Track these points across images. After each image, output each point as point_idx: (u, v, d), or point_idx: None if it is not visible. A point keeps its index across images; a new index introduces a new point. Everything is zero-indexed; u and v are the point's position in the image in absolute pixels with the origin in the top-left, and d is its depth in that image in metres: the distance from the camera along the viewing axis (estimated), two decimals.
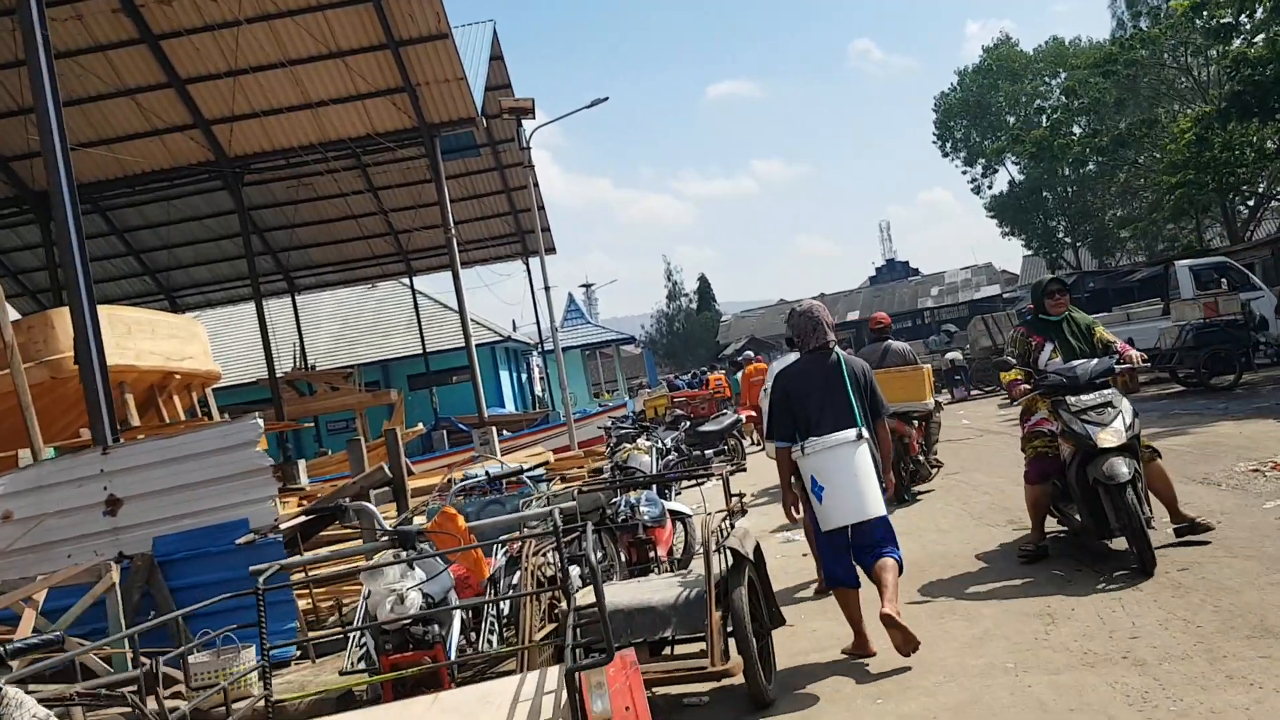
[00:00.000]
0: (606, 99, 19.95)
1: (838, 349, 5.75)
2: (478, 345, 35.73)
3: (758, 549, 5.36)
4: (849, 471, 5.39)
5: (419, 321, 31.02)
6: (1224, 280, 19.01)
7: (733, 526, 5.68)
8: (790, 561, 8.27)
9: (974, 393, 23.31)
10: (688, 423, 14.61)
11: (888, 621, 5.14)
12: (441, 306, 36.27)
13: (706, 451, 14.39)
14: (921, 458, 10.27)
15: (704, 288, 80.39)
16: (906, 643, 5.16)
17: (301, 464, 20.22)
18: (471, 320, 36.77)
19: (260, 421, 6.73)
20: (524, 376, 39.37)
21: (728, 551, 5.08)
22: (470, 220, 31.04)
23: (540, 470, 7.23)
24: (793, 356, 6.35)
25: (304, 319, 35.55)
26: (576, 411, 32.59)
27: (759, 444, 16.27)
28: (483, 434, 19.09)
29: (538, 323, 32.99)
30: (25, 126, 17.70)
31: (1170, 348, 17.06)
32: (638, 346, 77.85)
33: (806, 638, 5.97)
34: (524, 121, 20.21)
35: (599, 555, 6.11)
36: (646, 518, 6.68)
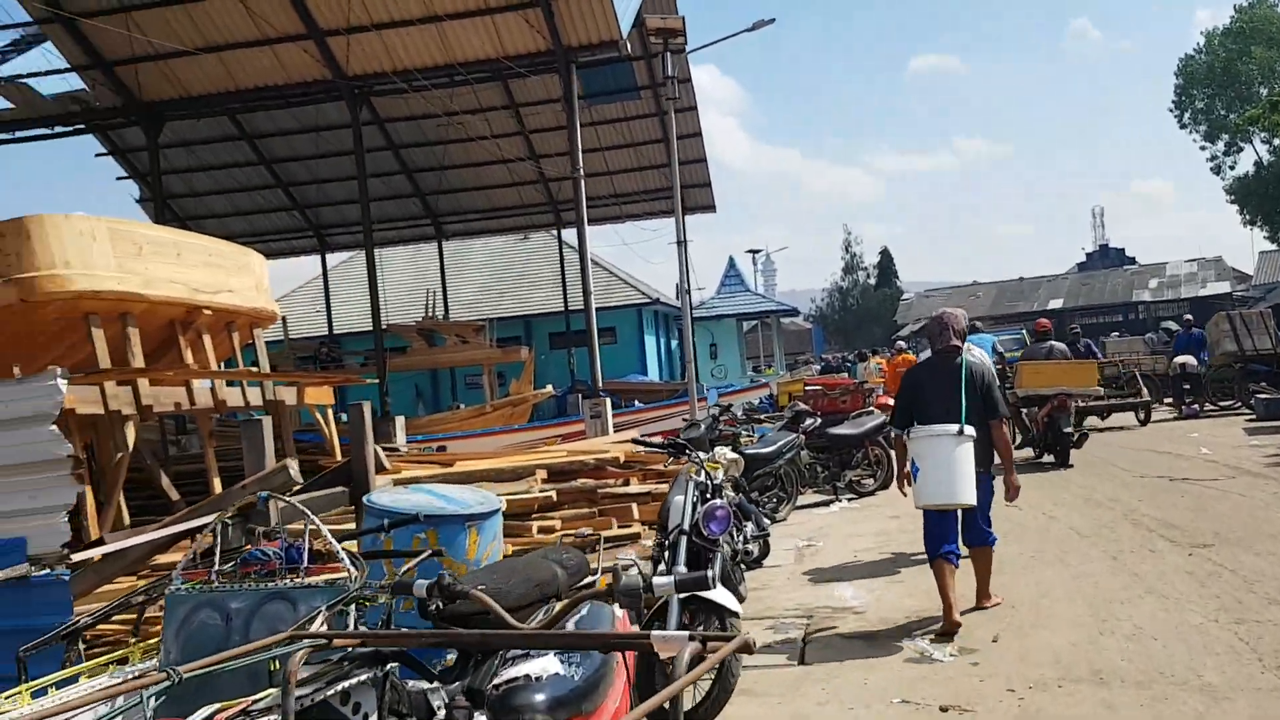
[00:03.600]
0: (773, 20, 16.83)
1: (965, 354, 6.36)
2: (624, 305, 33.56)
3: None
4: (943, 459, 6.04)
5: (563, 276, 28.79)
6: None
7: None
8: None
9: (1208, 408, 18.38)
10: (813, 420, 11.42)
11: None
12: (592, 263, 34.01)
13: (843, 471, 11.17)
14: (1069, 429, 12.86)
15: (885, 262, 75.25)
16: None
17: (399, 421, 18.22)
18: (619, 278, 34.58)
19: (62, 383, 4.25)
20: (675, 343, 36.65)
21: None
22: (626, 170, 28.47)
23: (495, 506, 4.25)
24: (926, 353, 7.21)
25: (453, 267, 34.12)
26: (723, 385, 29.81)
27: None
28: (594, 405, 16.52)
29: (685, 283, 30.18)
30: (128, 25, 16.18)
31: None
32: (808, 320, 74.01)
33: None
34: (681, 59, 17.35)
35: None
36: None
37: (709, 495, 5.35)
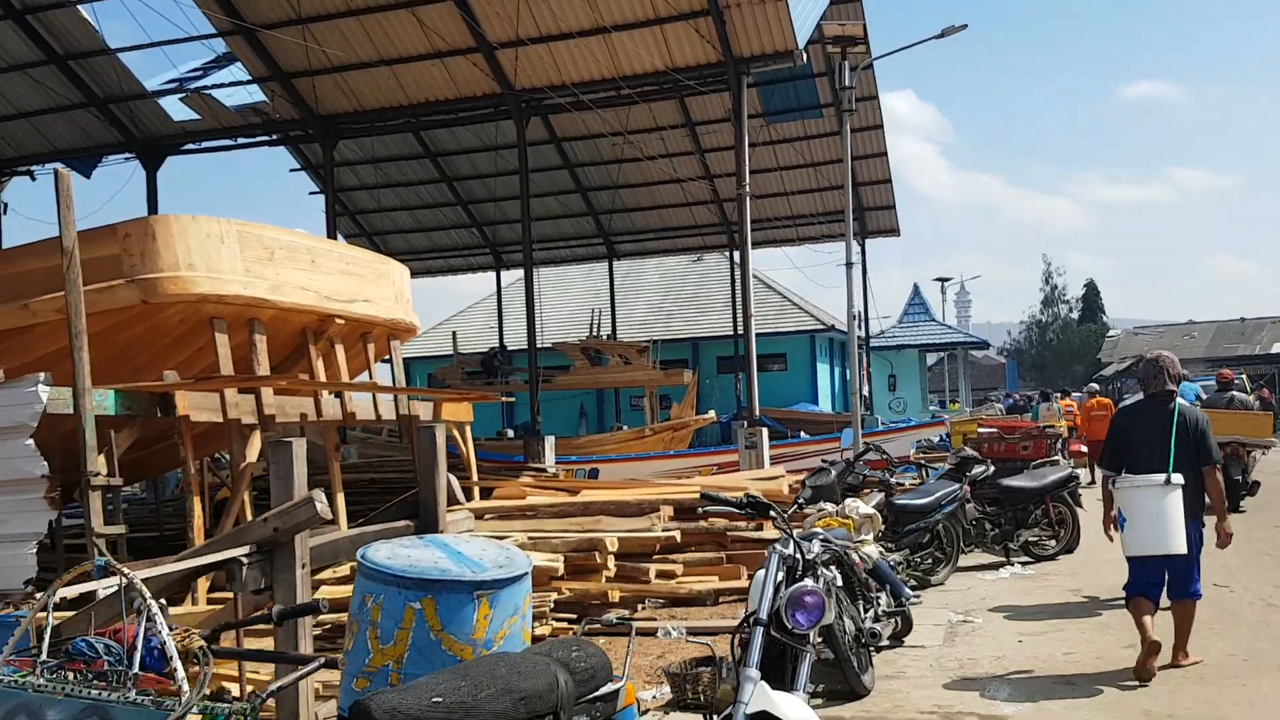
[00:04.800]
0: (964, 26, 15.42)
1: (1179, 399, 6.28)
2: (797, 331, 32.30)
3: None
4: (1152, 509, 6.02)
5: (733, 299, 27.89)
6: None
7: None
8: None
9: None
10: (984, 469, 9.72)
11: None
12: (763, 285, 32.91)
13: (1017, 530, 9.64)
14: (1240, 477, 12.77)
15: (1090, 296, 70.20)
16: None
17: (549, 441, 17.81)
18: (793, 303, 33.33)
19: (43, 390, 3.72)
20: (858, 375, 34.97)
21: None
22: (804, 191, 27.41)
23: (520, 569, 3.22)
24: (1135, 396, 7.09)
25: (626, 286, 33.85)
26: (900, 420, 28.06)
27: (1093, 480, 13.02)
28: (749, 434, 15.53)
29: (865, 311, 28.68)
30: (304, 36, 16.51)
31: None
32: (1002, 354, 70.03)
33: None
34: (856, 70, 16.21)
35: None
36: None
37: (799, 573, 4.22)
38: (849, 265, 15.68)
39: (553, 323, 32.73)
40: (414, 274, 31.60)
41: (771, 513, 4.23)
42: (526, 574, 3.16)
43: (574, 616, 6.97)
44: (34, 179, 20.03)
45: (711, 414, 22.96)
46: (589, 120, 22.51)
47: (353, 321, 10.54)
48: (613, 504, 8.87)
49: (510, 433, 25.57)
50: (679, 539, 8.29)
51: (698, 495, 9.43)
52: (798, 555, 4.28)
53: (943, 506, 8.52)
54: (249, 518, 9.40)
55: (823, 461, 9.57)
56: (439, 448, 5.18)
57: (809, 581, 4.06)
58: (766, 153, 25.76)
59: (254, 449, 9.41)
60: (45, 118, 19.03)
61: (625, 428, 24.85)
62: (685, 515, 9.00)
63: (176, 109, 19.06)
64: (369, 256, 11.02)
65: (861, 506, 5.78)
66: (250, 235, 9.25)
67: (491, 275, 30.41)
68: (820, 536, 4.97)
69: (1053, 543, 9.95)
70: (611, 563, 7.52)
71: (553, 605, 6.70)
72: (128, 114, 18.85)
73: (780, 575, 4.03)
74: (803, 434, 22.46)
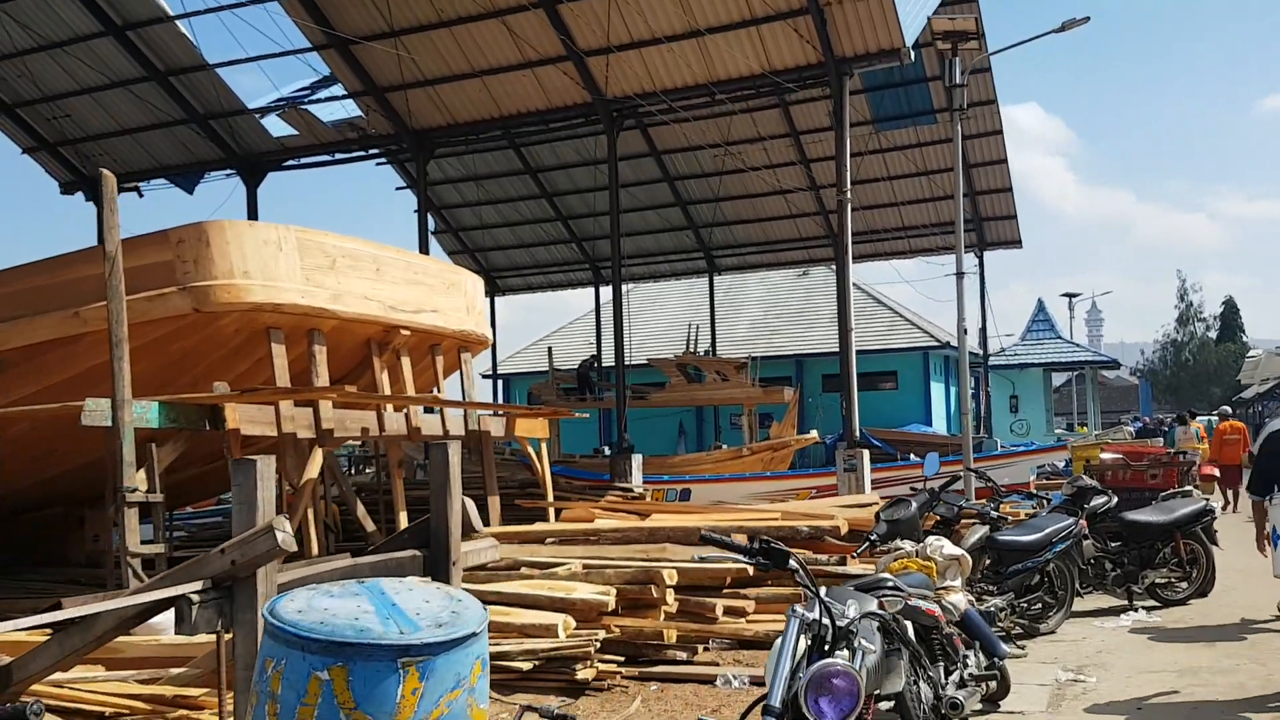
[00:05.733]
0: (1087, 19, 14.20)
1: None
2: (909, 348, 30.85)
3: None
4: None
5: (840, 314, 26.79)
6: None
7: None
8: None
9: None
10: (1105, 500, 8.61)
11: None
12: (873, 300, 31.63)
13: (1142, 570, 8.46)
14: None
15: (1229, 314, 65.94)
16: None
17: (636, 459, 17.13)
18: (904, 318, 31.92)
19: None
20: (968, 393, 33.34)
21: None
22: (916, 201, 26.19)
23: (466, 629, 2.52)
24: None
25: (728, 302, 33.05)
26: (1022, 444, 26.42)
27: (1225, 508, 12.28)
28: (848, 456, 14.59)
29: (984, 327, 27.21)
30: (397, 47, 16.38)
31: None
32: (1134, 375, 66.42)
33: None
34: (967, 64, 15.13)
35: None
36: None
37: (829, 643, 3.27)
38: (960, 275, 14.57)
39: (651, 339, 32.21)
40: (514, 290, 31.83)
41: (791, 563, 3.39)
42: (475, 634, 2.49)
43: (622, 659, 6.26)
44: (141, 195, 20.53)
45: (813, 434, 21.92)
46: (689, 132, 21.92)
47: (420, 333, 10.12)
48: (681, 530, 8.15)
49: (607, 450, 25.06)
50: (752, 571, 7.51)
51: (779, 522, 8.63)
52: (825, 621, 3.34)
53: (1054, 544, 7.43)
54: (314, 537, 9.04)
55: (912, 489, 8.47)
56: (453, 467, 4.57)
57: (840, 658, 3.18)
58: (876, 161, 24.70)
59: (315, 464, 9.05)
60: (149, 135, 19.45)
61: (724, 446, 24.08)
62: None
63: (276, 126, 19.25)
64: (438, 266, 10.60)
65: (946, 546, 4.88)
66: (310, 242, 8.90)
67: (595, 291, 30.05)
68: (890, 584, 4.14)
69: (1184, 585, 8.73)
70: (671, 597, 6.79)
71: (598, 645, 6.01)
72: (228, 130, 19.12)
73: (803, 646, 3.20)
74: (912, 456, 21.23)
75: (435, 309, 10.28)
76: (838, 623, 3.32)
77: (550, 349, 27.35)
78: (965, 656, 4.87)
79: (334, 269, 9.06)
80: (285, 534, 3.50)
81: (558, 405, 24.22)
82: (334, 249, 9.13)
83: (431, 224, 28.07)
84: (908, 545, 5.03)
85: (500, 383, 35.15)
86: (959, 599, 5.05)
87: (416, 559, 4.50)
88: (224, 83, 18.31)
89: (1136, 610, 8.39)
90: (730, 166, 23.64)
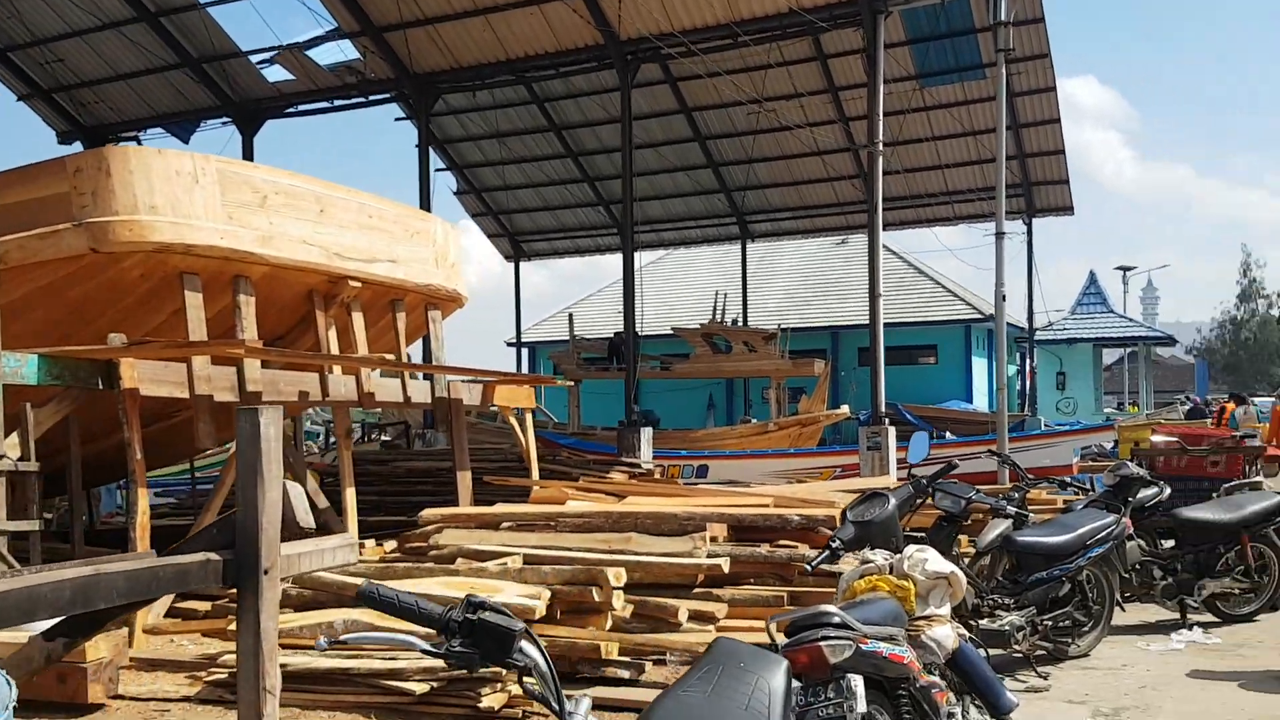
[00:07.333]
0: None
1: None
2: (949, 321, 29.23)
3: None
4: None
5: (870, 276, 25.31)
6: None
7: None
8: None
9: None
10: (1156, 491, 7.07)
11: None
12: (913, 270, 30.00)
13: (1199, 579, 7.00)
14: None
15: None
16: None
17: (645, 433, 15.91)
18: (945, 289, 30.27)
19: None
20: (1013, 369, 31.65)
21: None
22: (961, 164, 24.50)
23: None
24: None
25: (761, 271, 31.63)
26: (1069, 422, 24.81)
27: None
28: (873, 433, 13.29)
29: (1030, 299, 25.59)
30: None
31: None
32: (1191, 354, 63.79)
33: None
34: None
35: None
36: None
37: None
38: (999, 235, 13.12)
39: (681, 308, 30.91)
40: (540, 255, 30.57)
41: (517, 658, 1.82)
42: None
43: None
44: (139, 144, 19.67)
45: (844, 409, 20.55)
46: (721, 86, 20.53)
47: (374, 285, 8.97)
48: (653, 517, 6.94)
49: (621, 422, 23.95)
50: (726, 569, 6.30)
51: (768, 509, 7.40)
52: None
53: (1089, 548, 6.01)
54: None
55: (910, 475, 7.02)
56: (268, 440, 3.40)
57: None
58: (919, 120, 23.03)
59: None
60: (144, 81, 18.59)
61: (753, 420, 22.81)
62: (745, 536, 7.01)
63: (275, 75, 18.24)
64: (400, 210, 9.39)
65: (931, 560, 3.58)
66: (235, 175, 7.77)
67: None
68: (834, 619, 2.90)
69: (1250, 597, 7.31)
70: (620, 600, 5.60)
71: None
72: (223, 75, 18.14)
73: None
74: (948, 434, 19.84)
75: (394, 259, 9.13)
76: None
77: (571, 315, 26.19)
78: (951, 715, 3.55)
79: (264, 207, 7.92)
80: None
81: (578, 374, 23.12)
82: (265, 184, 7.98)
83: (454, 184, 27.01)
84: (879, 557, 3.72)
85: (526, 350, 34.11)
86: (945, 633, 3.69)
87: (212, 565, 3.34)
88: (216, 23, 17.31)
89: (1191, 628, 6.95)
90: (765, 125, 22.17)
